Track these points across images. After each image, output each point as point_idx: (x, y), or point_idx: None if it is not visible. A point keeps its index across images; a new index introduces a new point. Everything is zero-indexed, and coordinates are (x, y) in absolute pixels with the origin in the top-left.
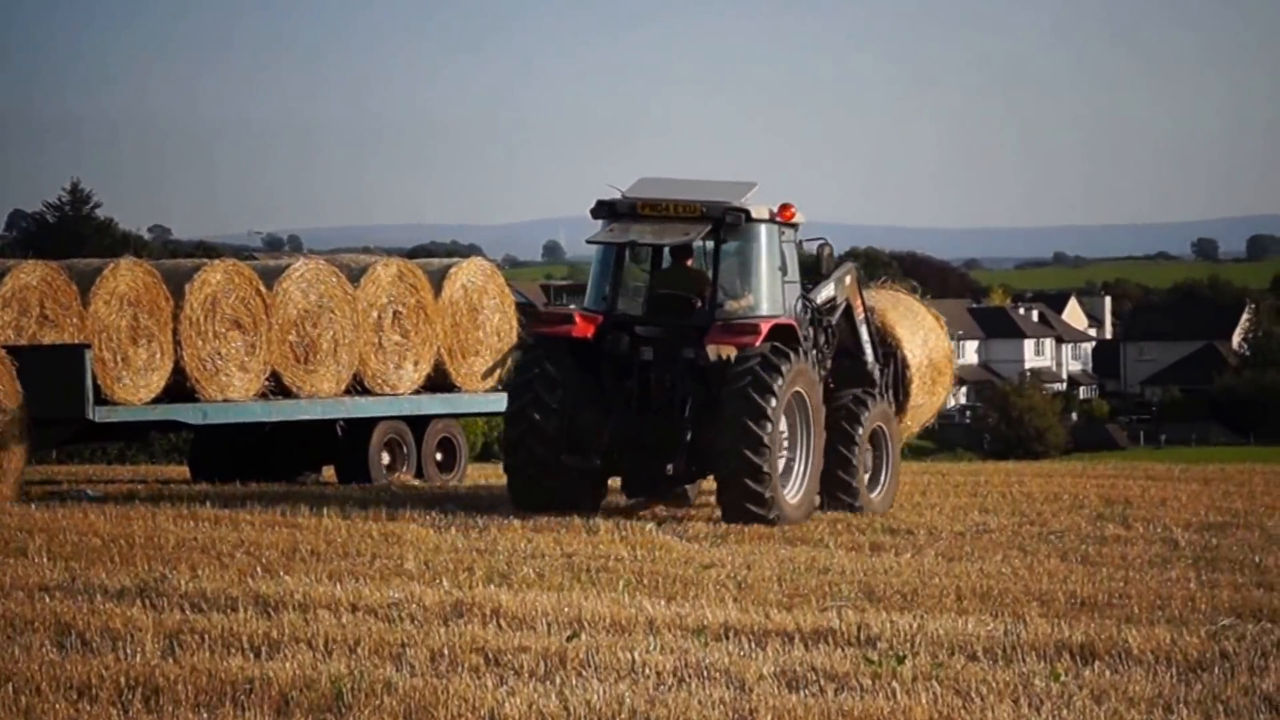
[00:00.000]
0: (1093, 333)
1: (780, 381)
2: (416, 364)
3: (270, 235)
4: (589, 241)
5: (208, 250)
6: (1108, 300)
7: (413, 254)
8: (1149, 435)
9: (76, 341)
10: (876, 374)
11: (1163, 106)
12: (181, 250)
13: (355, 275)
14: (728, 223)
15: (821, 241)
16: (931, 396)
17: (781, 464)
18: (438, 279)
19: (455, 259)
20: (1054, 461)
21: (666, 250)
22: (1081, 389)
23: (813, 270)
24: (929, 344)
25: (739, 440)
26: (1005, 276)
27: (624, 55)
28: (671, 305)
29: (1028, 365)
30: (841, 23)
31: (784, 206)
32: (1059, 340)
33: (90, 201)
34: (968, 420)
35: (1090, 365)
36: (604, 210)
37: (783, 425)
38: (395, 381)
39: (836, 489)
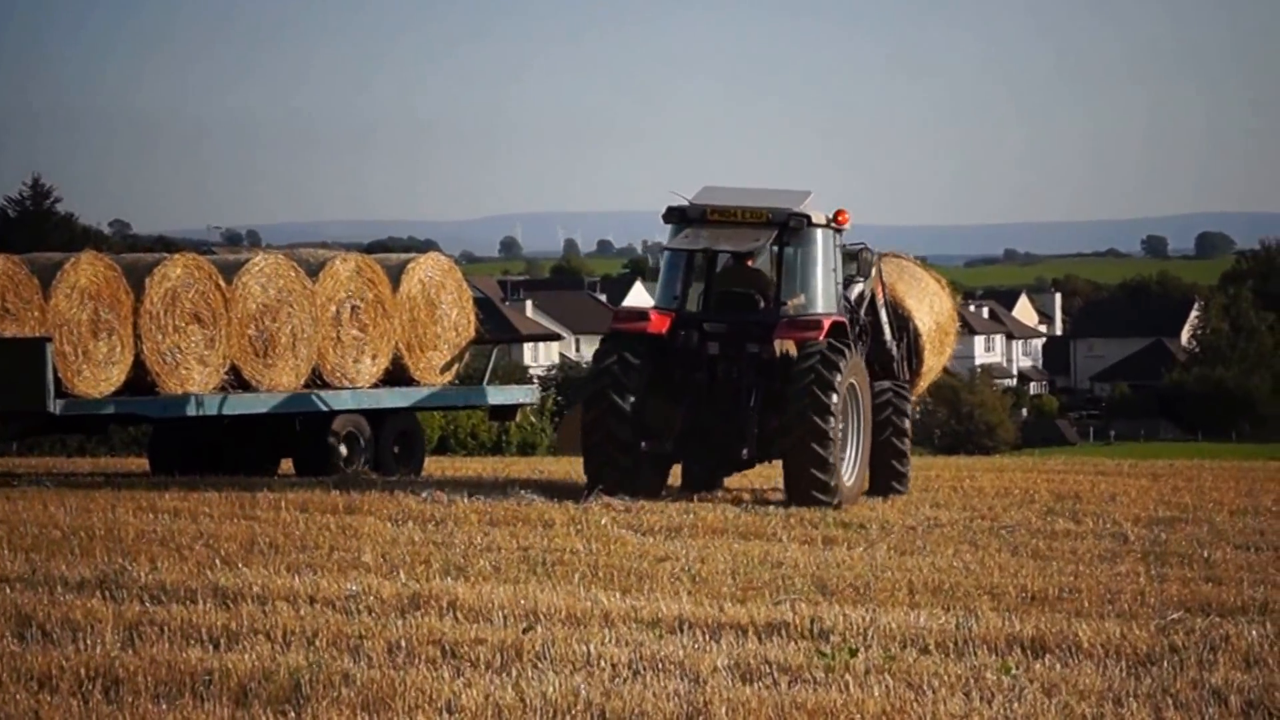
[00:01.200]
0: (1043, 329)
1: (839, 377)
2: (375, 358)
3: (229, 230)
4: (666, 248)
5: (167, 245)
6: (1058, 297)
7: (370, 249)
8: (1098, 431)
9: (37, 335)
10: (894, 350)
11: (1112, 106)
12: (141, 245)
13: (314, 270)
14: (791, 227)
15: (862, 246)
16: (940, 356)
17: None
18: (396, 274)
19: (413, 254)
20: (1004, 457)
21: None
22: (1031, 385)
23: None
24: (935, 308)
25: (806, 433)
26: (956, 273)
27: (584, 55)
28: (735, 303)
29: (978, 361)
30: (797, 19)
31: (839, 212)
32: (1009, 337)
33: (51, 196)
34: (918, 415)
35: (1040, 361)
36: (675, 216)
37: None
38: (354, 375)
39: (891, 479)
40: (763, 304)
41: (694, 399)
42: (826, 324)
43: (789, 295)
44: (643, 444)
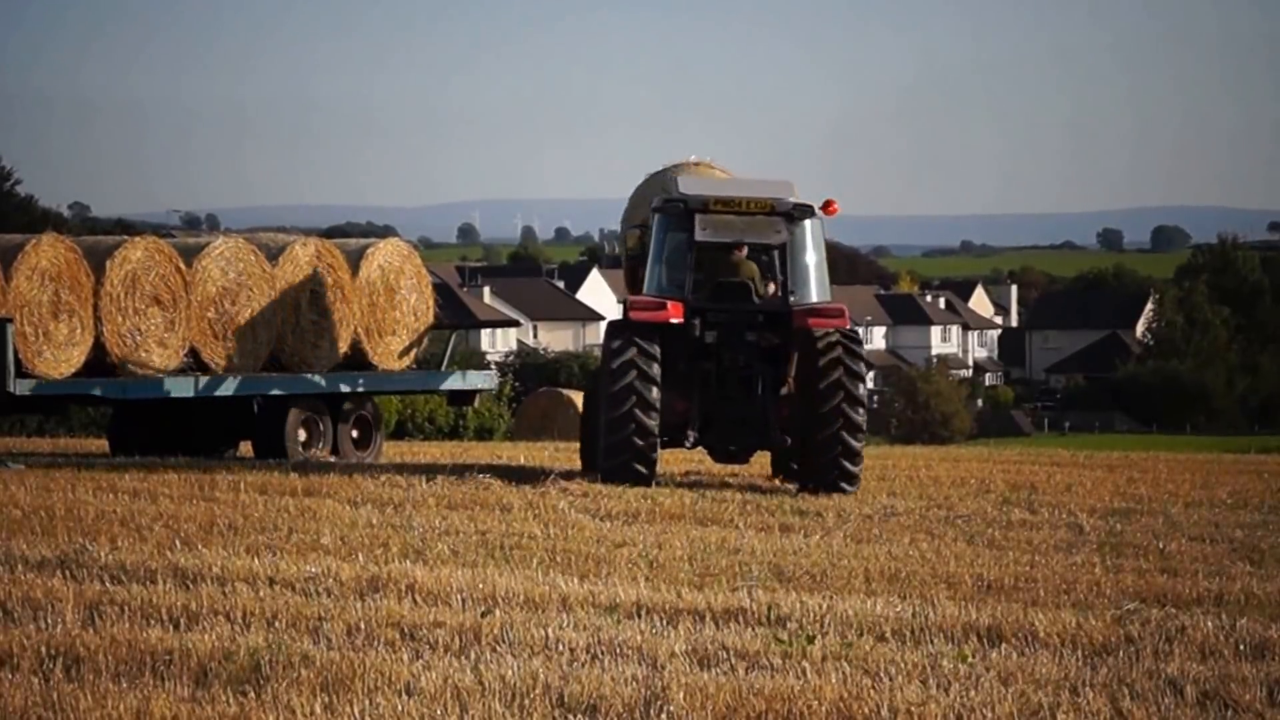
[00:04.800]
0: (999, 320)
1: (863, 366)
2: (333, 342)
3: (188, 214)
4: (697, 240)
5: (127, 228)
6: (1014, 289)
7: (329, 234)
8: (1053, 422)
9: None
10: None
11: (1070, 99)
12: (101, 227)
13: (274, 254)
14: (796, 218)
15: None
16: None
17: None
18: (355, 259)
19: (372, 239)
20: (960, 447)
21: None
22: (987, 376)
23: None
24: None
25: (841, 424)
26: (913, 264)
27: (542, 41)
28: (734, 293)
29: (934, 351)
30: (748, 9)
31: (828, 202)
32: (965, 327)
33: (10, 179)
34: (875, 405)
35: (996, 352)
36: (675, 207)
37: None
38: (312, 359)
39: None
40: (756, 293)
41: (704, 389)
42: (846, 312)
43: (798, 285)
44: (664, 438)
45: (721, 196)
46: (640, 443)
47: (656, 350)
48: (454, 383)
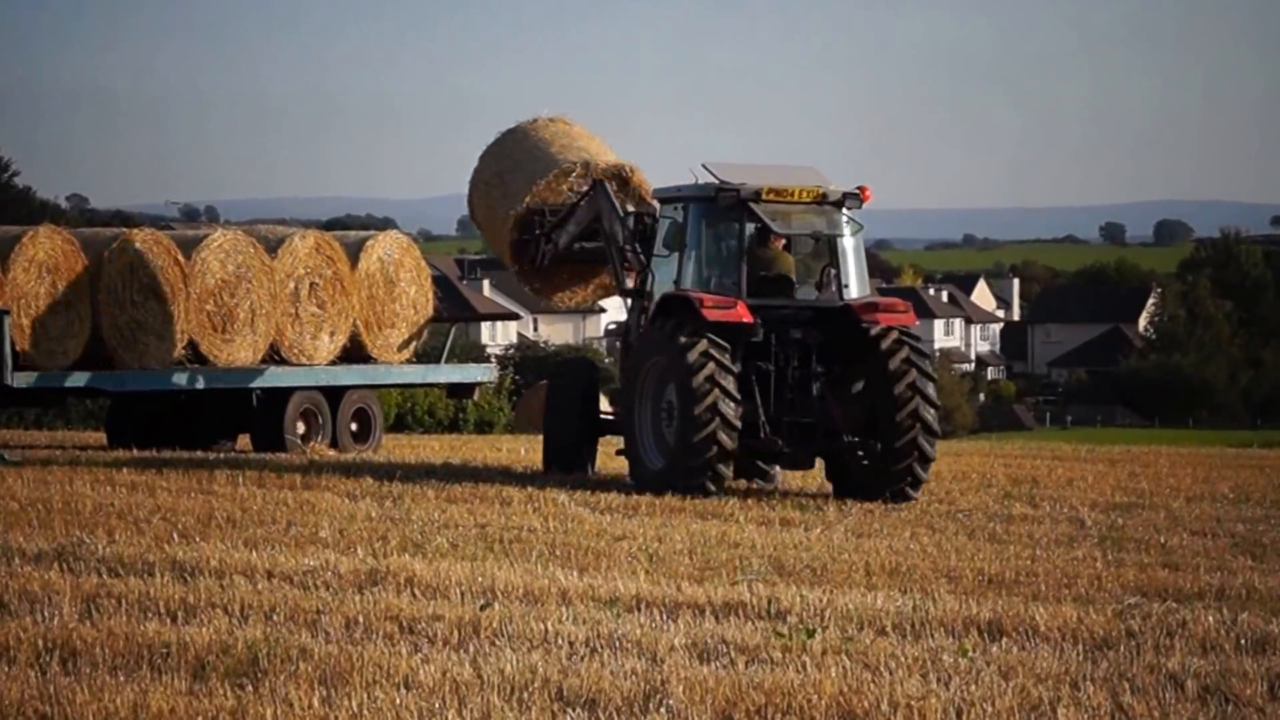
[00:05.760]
0: (1001, 314)
1: (929, 365)
2: (333, 335)
3: (187, 205)
4: (771, 230)
5: (125, 220)
6: (1016, 282)
7: (329, 226)
8: (1055, 416)
9: None
10: None
11: (1073, 93)
12: (99, 219)
13: (273, 246)
14: (848, 207)
15: None
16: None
17: None
18: (354, 251)
19: (372, 232)
20: (961, 441)
21: (753, 230)
22: (989, 370)
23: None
24: None
25: (918, 429)
26: (915, 257)
27: (542, 35)
28: (776, 288)
29: (936, 345)
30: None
31: (862, 189)
32: (967, 321)
33: (8, 170)
34: None
35: (998, 346)
36: (729, 197)
37: None
38: (311, 352)
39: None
40: (797, 286)
41: (763, 391)
42: (911, 307)
43: (851, 278)
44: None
45: (774, 185)
46: (720, 465)
47: (729, 360)
48: (453, 376)
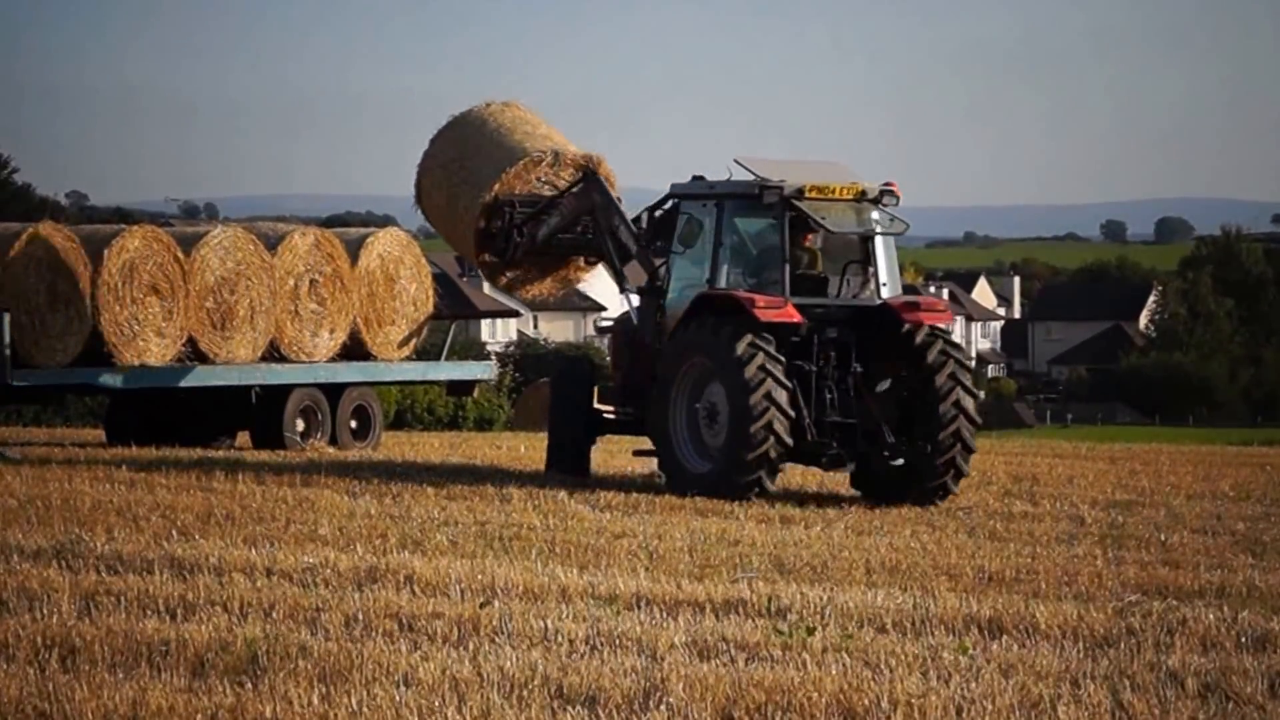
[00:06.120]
0: (1001, 312)
1: (964, 355)
2: (332, 332)
3: (186, 202)
4: (828, 229)
5: (124, 216)
6: (1016, 280)
7: (329, 223)
8: (1056, 414)
9: None
10: None
11: (1074, 90)
12: (98, 216)
13: (272, 243)
14: (884, 204)
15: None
16: None
17: None
18: (354, 248)
19: (372, 229)
20: None
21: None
22: (990, 367)
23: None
24: None
25: (963, 427)
26: (916, 254)
27: (542, 32)
28: (812, 286)
29: None
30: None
31: (891, 184)
32: (968, 319)
33: (8, 167)
34: None
35: (999, 344)
36: (774, 194)
37: None
38: (311, 349)
39: None
40: (834, 285)
41: (805, 390)
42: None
43: (887, 276)
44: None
45: (816, 182)
46: (772, 463)
47: (782, 360)
48: (453, 373)
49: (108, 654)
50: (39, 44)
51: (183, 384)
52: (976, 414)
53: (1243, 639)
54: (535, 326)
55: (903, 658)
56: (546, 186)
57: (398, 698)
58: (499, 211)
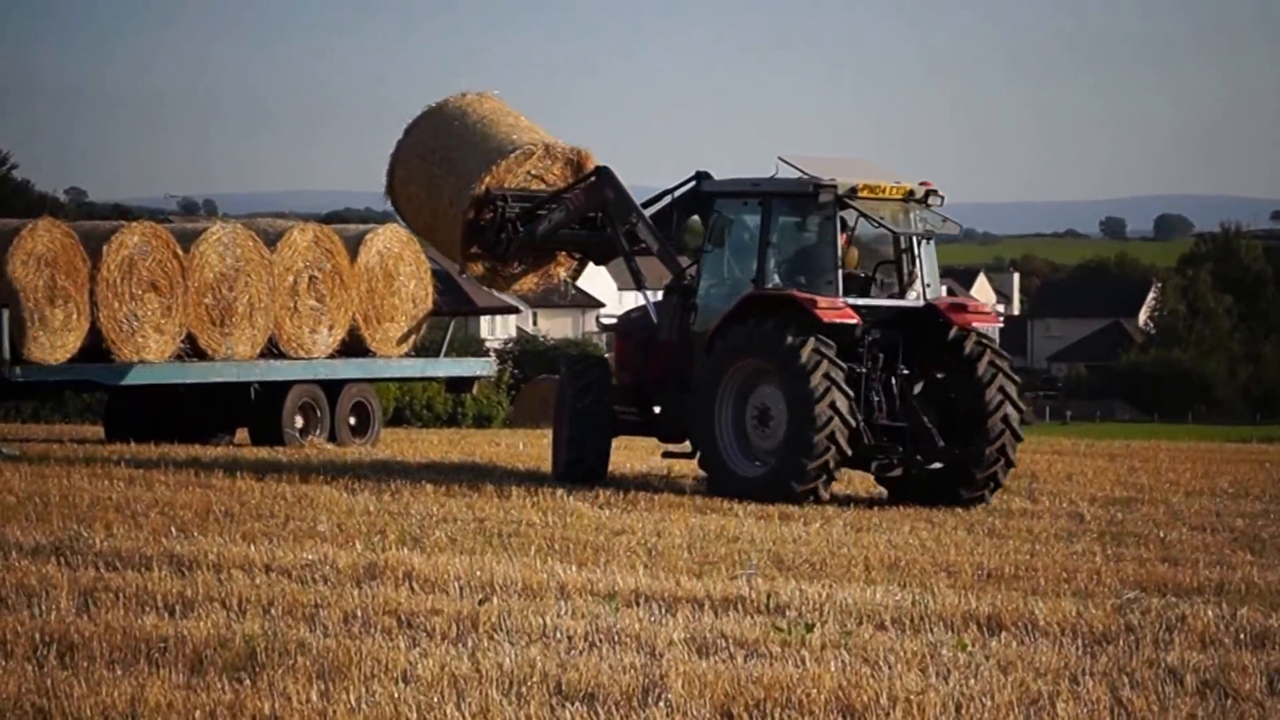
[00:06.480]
0: (1001, 308)
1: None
2: (331, 328)
3: (185, 199)
4: (894, 230)
5: (123, 213)
6: (1016, 277)
7: (328, 220)
8: (1055, 411)
9: None
10: None
11: (1073, 87)
12: (97, 213)
13: (272, 240)
14: (929, 204)
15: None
16: None
17: None
18: (354, 245)
19: (371, 225)
20: None
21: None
22: None
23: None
24: None
25: (1009, 433)
26: None
27: (541, 29)
28: (855, 287)
29: None
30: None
31: (928, 183)
32: None
33: (7, 164)
34: None
35: (998, 341)
36: (829, 192)
37: None
38: (310, 345)
39: None
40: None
41: (856, 393)
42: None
43: (930, 278)
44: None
45: (869, 183)
46: (832, 473)
47: (844, 367)
48: (452, 369)
49: (106, 650)
50: (37, 41)
51: (182, 380)
52: (1020, 429)
53: (1241, 636)
54: (534, 323)
55: (902, 654)
56: (536, 181)
57: (396, 694)
58: (490, 205)
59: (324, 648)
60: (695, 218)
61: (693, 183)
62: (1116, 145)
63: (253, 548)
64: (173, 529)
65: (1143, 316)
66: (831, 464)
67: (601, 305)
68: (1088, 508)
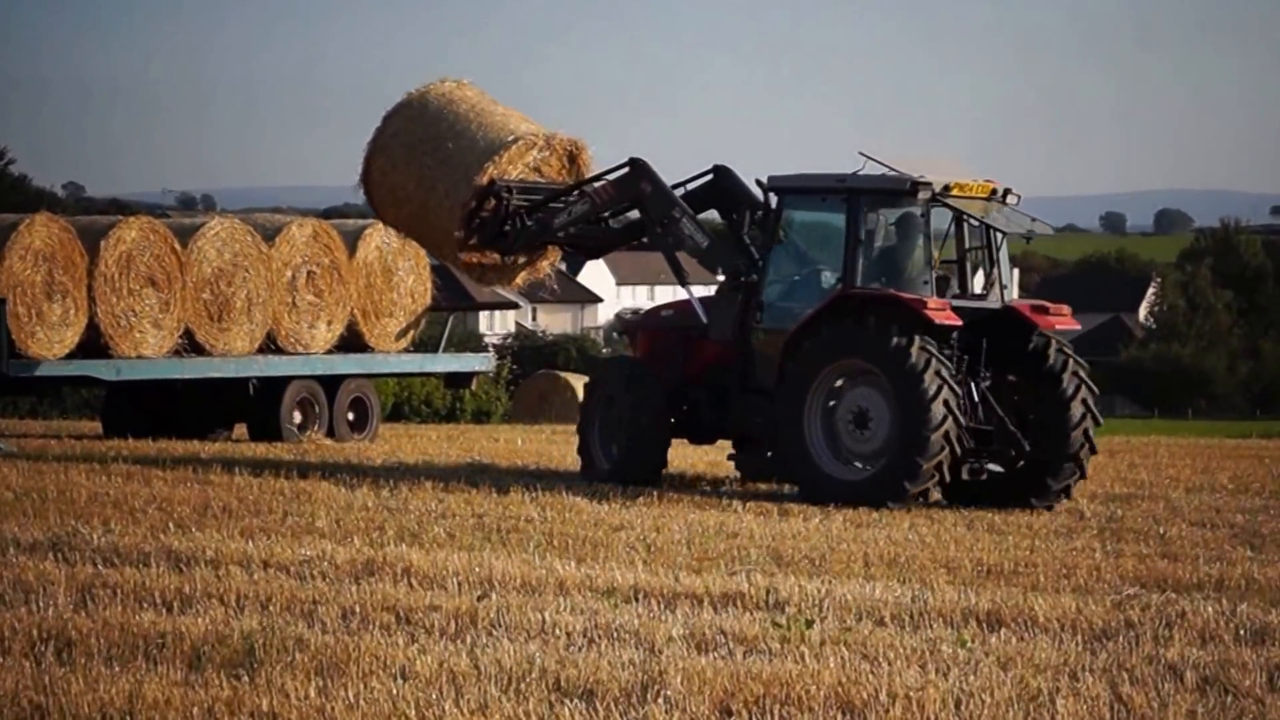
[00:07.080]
0: None
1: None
2: (330, 324)
3: (183, 194)
4: (999, 229)
5: (121, 208)
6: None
7: (327, 215)
8: None
9: None
10: None
11: (1071, 82)
12: (95, 207)
13: (270, 234)
14: (1007, 203)
15: None
16: None
17: None
18: (352, 240)
19: (370, 220)
20: None
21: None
22: None
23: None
24: None
25: (1086, 450)
26: None
27: (538, 22)
28: (939, 286)
29: None
30: None
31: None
32: None
33: (4, 158)
34: None
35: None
36: (925, 189)
37: None
38: (308, 341)
39: None
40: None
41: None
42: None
43: (1007, 279)
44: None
45: (958, 181)
46: (944, 474)
47: (950, 366)
48: (451, 365)
49: (104, 647)
50: (34, 35)
51: (179, 376)
52: (1099, 410)
53: (1241, 632)
54: (534, 318)
55: (901, 650)
56: (533, 173)
57: (395, 690)
58: (492, 197)
59: (322, 644)
60: (713, 212)
61: (709, 176)
62: (1116, 140)
63: (251, 544)
64: (170, 525)
65: (1143, 312)
66: (946, 463)
67: (599, 300)
68: (1087, 504)
